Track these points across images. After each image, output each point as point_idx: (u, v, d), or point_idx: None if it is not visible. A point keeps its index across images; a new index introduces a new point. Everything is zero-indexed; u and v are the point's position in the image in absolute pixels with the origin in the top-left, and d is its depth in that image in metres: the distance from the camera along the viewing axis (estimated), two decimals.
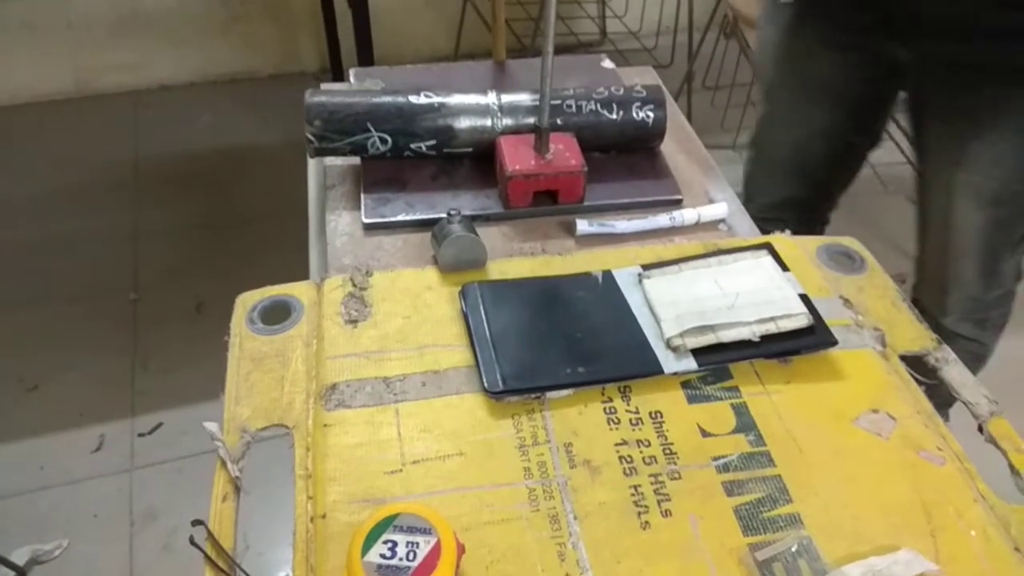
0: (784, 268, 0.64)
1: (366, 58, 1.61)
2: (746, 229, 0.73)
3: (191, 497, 1.30)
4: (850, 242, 0.71)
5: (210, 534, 0.47)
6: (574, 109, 0.74)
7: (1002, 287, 1.04)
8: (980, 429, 0.57)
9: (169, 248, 1.81)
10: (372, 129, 0.71)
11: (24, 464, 1.37)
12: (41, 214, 1.88)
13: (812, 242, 0.70)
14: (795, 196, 1.11)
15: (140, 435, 1.43)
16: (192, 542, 0.46)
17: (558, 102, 0.74)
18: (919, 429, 0.54)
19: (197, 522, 0.47)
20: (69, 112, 2.22)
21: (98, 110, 2.22)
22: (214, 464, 0.51)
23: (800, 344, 0.59)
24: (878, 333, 0.62)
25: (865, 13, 0.91)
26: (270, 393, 0.55)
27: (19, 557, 1.19)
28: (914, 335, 0.62)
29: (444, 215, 0.65)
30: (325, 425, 0.52)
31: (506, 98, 0.74)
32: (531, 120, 0.73)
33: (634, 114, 0.75)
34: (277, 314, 0.61)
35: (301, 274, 0.70)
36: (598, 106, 0.75)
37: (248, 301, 0.62)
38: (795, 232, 0.71)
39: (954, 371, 0.60)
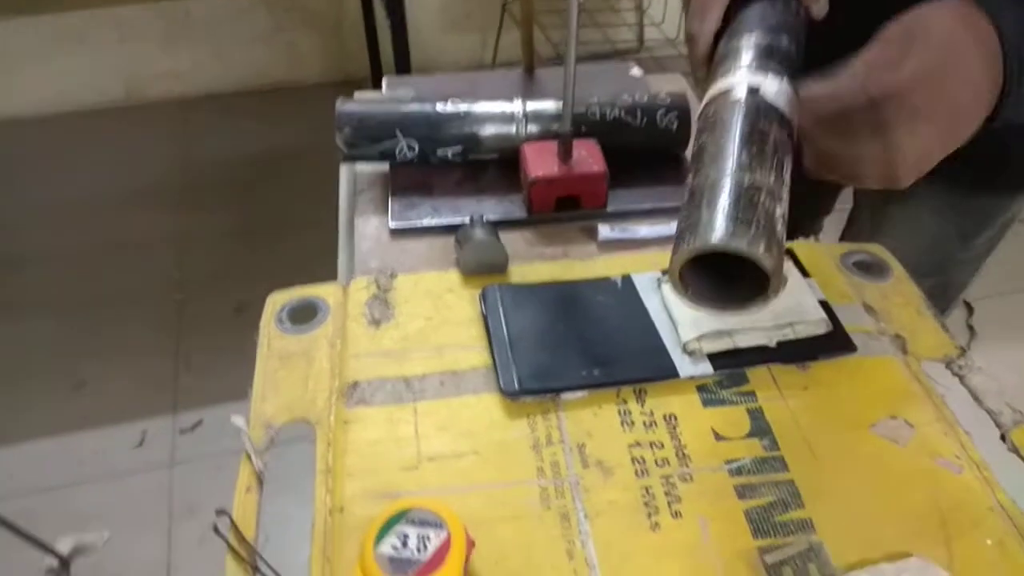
0: (805, 274, 0.64)
1: (404, 69, 1.64)
2: None
3: (229, 493, 1.33)
4: (876, 249, 0.70)
5: (233, 523, 0.48)
6: (598, 116, 0.75)
7: None
8: (1003, 438, 0.56)
9: (213, 251, 1.86)
10: (400, 136, 0.73)
11: (69, 458, 1.43)
12: (91, 219, 1.96)
13: (837, 248, 0.70)
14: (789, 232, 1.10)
15: (181, 431, 1.48)
16: (216, 531, 0.48)
17: (583, 109, 0.75)
18: (937, 437, 0.54)
19: (221, 511, 0.49)
20: (118, 119, 2.30)
21: (147, 117, 2.30)
22: None
23: (817, 350, 0.58)
24: (899, 340, 0.61)
25: None
26: (295, 390, 0.57)
27: (63, 546, 1.23)
28: (937, 343, 0.62)
29: (467, 219, 0.67)
30: (346, 422, 0.54)
31: (531, 106, 0.75)
32: (556, 127, 0.74)
33: (658, 121, 0.76)
34: (305, 314, 0.63)
35: (334, 277, 0.72)
36: (622, 113, 0.75)
37: (278, 301, 0.64)
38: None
39: (977, 379, 0.59)
